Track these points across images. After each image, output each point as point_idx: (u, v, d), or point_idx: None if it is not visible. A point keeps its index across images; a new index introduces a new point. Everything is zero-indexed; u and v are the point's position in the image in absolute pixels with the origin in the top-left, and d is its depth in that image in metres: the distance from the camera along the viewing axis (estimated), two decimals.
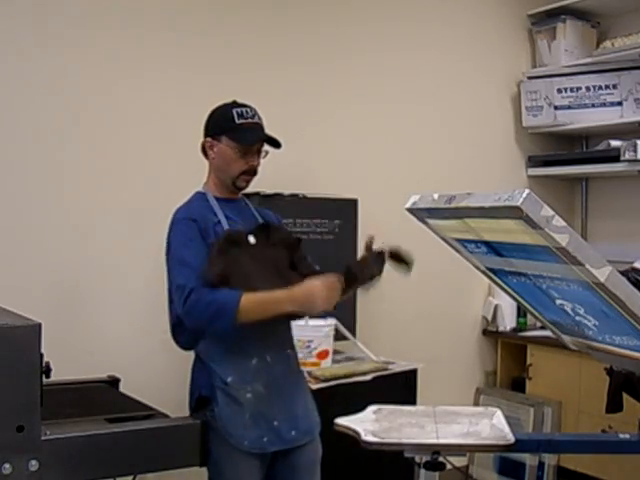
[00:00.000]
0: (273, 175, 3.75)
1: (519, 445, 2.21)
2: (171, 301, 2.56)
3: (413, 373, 3.71)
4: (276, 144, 2.72)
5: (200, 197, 2.72)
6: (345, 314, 3.75)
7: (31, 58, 3.24)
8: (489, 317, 4.73)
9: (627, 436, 2.32)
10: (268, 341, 2.58)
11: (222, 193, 2.72)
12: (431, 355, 4.18)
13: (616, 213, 4.90)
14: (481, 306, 4.78)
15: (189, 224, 2.58)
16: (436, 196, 2.06)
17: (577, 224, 5.06)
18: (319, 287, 2.45)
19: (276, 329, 2.60)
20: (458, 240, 2.14)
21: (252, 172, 2.69)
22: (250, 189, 3.52)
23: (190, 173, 3.61)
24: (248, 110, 2.69)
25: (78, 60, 3.35)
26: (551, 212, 1.63)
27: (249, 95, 3.81)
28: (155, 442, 2.29)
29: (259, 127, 2.70)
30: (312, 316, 2.76)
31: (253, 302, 2.42)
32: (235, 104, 2.70)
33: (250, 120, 2.68)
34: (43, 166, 3.28)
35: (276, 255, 2.64)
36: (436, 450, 2.14)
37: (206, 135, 2.70)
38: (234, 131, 2.62)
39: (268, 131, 2.74)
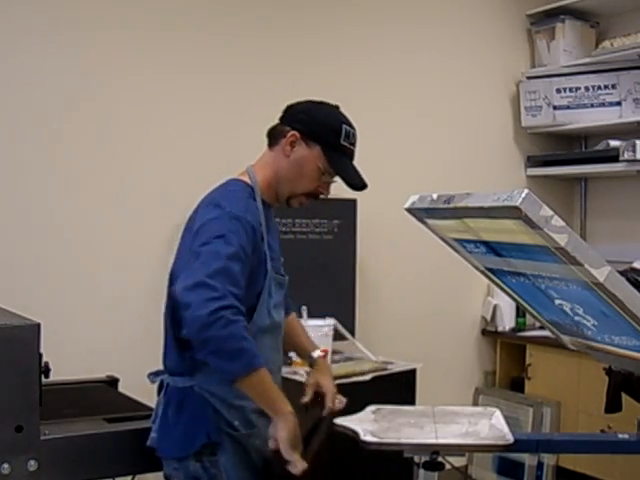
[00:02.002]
0: None
1: (518, 445, 2.21)
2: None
3: (412, 373, 3.71)
4: (360, 187, 2.35)
5: (250, 193, 2.25)
6: (344, 314, 3.75)
7: (29, 59, 3.24)
8: (488, 317, 4.72)
9: (626, 436, 2.32)
10: (279, 375, 2.31)
11: (268, 197, 2.30)
12: (430, 355, 4.18)
13: (615, 213, 4.90)
14: (480, 306, 4.78)
15: (248, 231, 2.13)
16: (435, 196, 2.06)
17: (576, 224, 5.06)
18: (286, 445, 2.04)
19: (280, 360, 2.35)
20: (457, 240, 2.14)
21: (315, 197, 2.36)
22: None
23: (191, 174, 3.63)
24: (354, 133, 2.35)
25: (75, 61, 3.35)
26: (550, 212, 1.63)
27: (249, 95, 3.83)
28: None
29: (353, 157, 2.38)
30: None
31: (265, 380, 2.04)
32: (343, 116, 2.35)
33: (353, 147, 2.34)
34: (43, 166, 3.28)
35: None
36: (435, 450, 2.14)
37: (295, 127, 2.28)
38: (335, 150, 2.28)
39: None
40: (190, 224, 2.24)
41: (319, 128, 2.28)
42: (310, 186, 2.30)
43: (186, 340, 2.05)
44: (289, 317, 2.55)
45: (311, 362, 2.48)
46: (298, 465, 2.04)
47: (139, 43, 3.51)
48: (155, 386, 2.32)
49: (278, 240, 2.46)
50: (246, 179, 2.30)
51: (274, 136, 2.33)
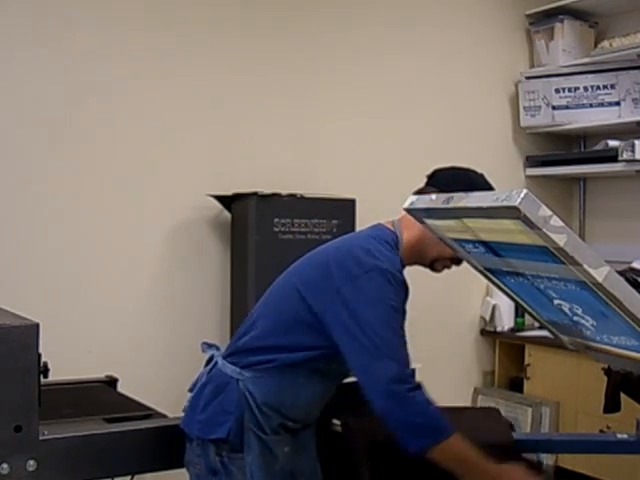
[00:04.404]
0: (271, 175, 3.77)
1: (517, 445, 2.21)
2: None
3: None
4: None
5: (396, 247, 2.25)
6: None
7: (31, 59, 3.24)
8: (487, 317, 4.73)
9: (625, 436, 2.32)
10: (317, 411, 2.31)
11: (407, 258, 2.29)
12: (429, 355, 4.17)
13: (614, 213, 4.90)
14: (479, 306, 4.78)
15: (404, 291, 2.17)
16: (434, 196, 2.06)
17: (575, 224, 5.06)
18: None
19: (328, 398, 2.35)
20: (456, 240, 2.14)
21: (459, 263, 2.34)
22: (248, 189, 3.54)
23: (191, 177, 3.64)
24: None
25: (78, 62, 3.36)
26: (549, 212, 1.62)
27: (250, 96, 3.83)
28: (153, 442, 2.29)
29: None
30: None
31: (461, 449, 2.05)
32: (489, 184, 2.39)
33: None
34: (43, 166, 3.28)
35: None
36: None
37: (444, 190, 2.22)
38: None
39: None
40: (332, 256, 2.22)
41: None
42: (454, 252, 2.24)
43: (280, 345, 2.15)
44: None
45: None
46: None
47: (141, 43, 3.52)
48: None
49: None
50: (393, 230, 2.30)
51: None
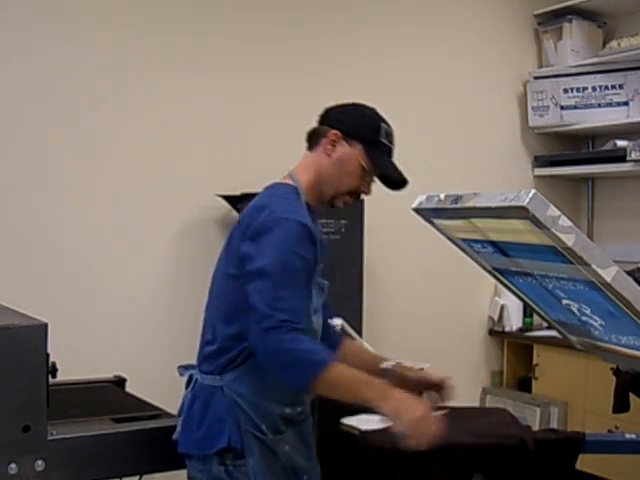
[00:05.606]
0: (279, 175, 3.76)
1: None
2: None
3: None
4: (401, 183, 2.35)
5: (298, 197, 2.25)
6: (351, 314, 3.75)
7: (40, 59, 3.25)
8: (495, 317, 4.72)
9: (633, 436, 2.32)
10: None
11: (312, 200, 2.28)
12: (437, 355, 4.16)
13: (622, 213, 4.89)
14: (487, 306, 4.77)
15: (308, 237, 2.12)
16: (442, 196, 2.06)
17: (583, 224, 5.05)
18: (425, 413, 1.99)
19: None
20: (464, 240, 2.14)
21: (357, 196, 2.33)
22: (256, 189, 3.54)
23: (197, 175, 3.64)
24: (393, 132, 2.38)
25: (85, 63, 3.36)
26: (557, 212, 1.62)
27: (252, 97, 3.84)
28: (161, 442, 2.30)
29: (392, 154, 2.39)
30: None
31: (344, 373, 2.02)
32: (380, 116, 2.36)
33: (391, 145, 2.37)
34: (52, 166, 3.29)
35: None
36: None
37: (336, 126, 2.27)
38: (375, 147, 2.29)
39: None
40: (237, 227, 2.23)
41: (359, 126, 2.29)
42: (353, 184, 2.27)
43: (239, 334, 2.12)
44: (346, 343, 2.53)
45: (386, 374, 2.37)
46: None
47: (147, 44, 3.52)
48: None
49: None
50: (290, 182, 2.31)
51: (314, 137, 2.34)
